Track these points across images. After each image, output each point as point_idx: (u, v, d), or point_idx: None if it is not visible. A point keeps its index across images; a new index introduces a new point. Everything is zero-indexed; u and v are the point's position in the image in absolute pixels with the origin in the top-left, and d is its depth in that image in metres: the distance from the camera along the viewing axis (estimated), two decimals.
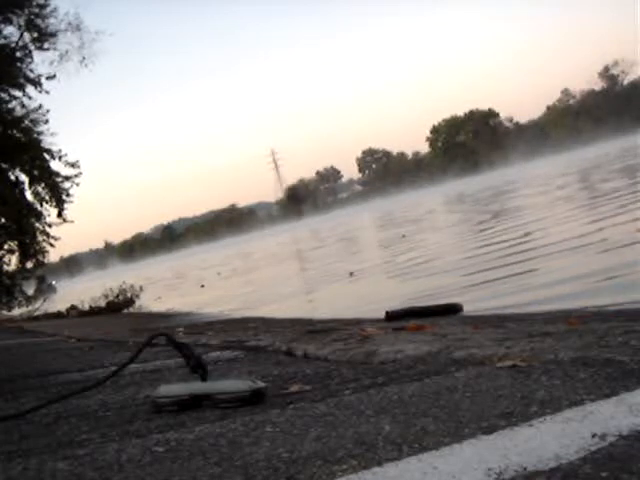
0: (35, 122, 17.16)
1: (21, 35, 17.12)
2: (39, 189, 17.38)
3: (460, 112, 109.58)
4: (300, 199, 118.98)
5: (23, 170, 17.56)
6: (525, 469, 1.12)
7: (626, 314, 3.33)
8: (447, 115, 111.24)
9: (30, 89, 16.88)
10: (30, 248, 17.72)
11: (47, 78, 17.03)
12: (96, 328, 9.66)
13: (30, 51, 17.23)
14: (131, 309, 15.85)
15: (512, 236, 10.56)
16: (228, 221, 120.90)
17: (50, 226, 17.63)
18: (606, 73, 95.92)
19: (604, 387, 1.58)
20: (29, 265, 18.23)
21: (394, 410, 1.66)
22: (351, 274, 11.08)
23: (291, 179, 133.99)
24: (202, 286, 18.08)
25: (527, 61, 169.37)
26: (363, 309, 6.69)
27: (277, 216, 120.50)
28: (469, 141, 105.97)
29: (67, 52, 17.77)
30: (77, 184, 17.55)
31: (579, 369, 1.81)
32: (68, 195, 17.53)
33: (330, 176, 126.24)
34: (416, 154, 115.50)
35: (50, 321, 15.14)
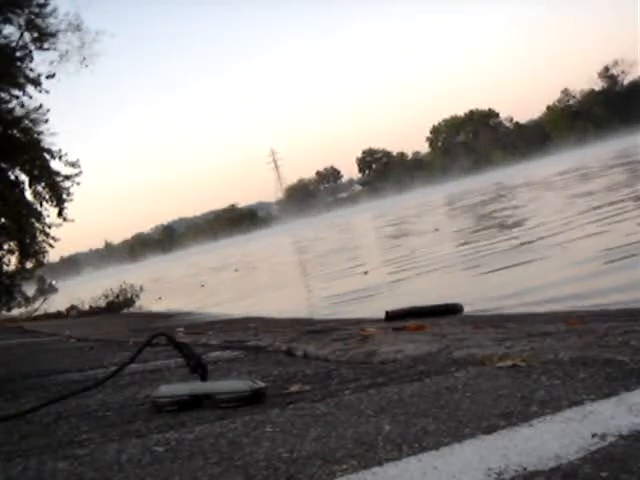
0: (35, 122, 17.14)
1: (21, 35, 17.09)
2: (39, 189, 17.38)
3: (460, 112, 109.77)
4: (300, 199, 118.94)
5: (23, 170, 17.53)
6: (525, 469, 1.12)
7: (626, 314, 3.33)
8: (447, 115, 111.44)
9: (30, 88, 16.88)
10: (30, 248, 17.71)
11: (47, 77, 17.02)
12: (96, 328, 9.66)
13: (30, 51, 17.20)
14: (131, 309, 15.86)
15: None
16: (228, 221, 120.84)
17: (50, 227, 17.64)
18: (606, 73, 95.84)
19: (604, 387, 1.58)
20: (29, 265, 18.24)
21: (394, 410, 1.66)
22: (365, 273, 10.95)
23: (291, 179, 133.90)
24: (202, 286, 18.12)
25: (527, 61, 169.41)
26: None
27: (277, 216, 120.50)
28: (469, 141, 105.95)
29: (67, 52, 17.71)
30: (78, 183, 17.56)
31: (579, 369, 1.81)
32: (68, 194, 17.53)
33: (330, 176, 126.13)
34: (416, 154, 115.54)
35: (50, 321, 15.15)
